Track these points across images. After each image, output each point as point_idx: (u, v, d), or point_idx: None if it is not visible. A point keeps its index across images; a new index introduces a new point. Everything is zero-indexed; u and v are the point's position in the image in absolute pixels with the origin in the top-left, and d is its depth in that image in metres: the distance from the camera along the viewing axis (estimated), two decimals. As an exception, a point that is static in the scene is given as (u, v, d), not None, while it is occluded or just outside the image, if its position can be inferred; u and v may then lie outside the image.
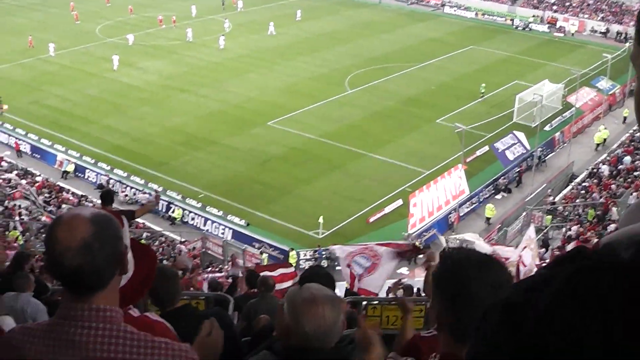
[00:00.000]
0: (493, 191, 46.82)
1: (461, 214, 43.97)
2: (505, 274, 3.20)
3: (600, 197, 41.61)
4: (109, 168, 47.60)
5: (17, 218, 39.40)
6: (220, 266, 36.81)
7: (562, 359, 1.05)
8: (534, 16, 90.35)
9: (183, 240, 41.29)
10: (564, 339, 1.05)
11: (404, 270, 34.66)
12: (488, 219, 43.93)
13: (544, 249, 35.11)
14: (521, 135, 49.00)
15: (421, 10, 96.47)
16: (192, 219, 43.21)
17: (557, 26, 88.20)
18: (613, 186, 43.00)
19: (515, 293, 1.16)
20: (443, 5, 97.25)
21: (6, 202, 42.46)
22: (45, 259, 2.93)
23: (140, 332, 2.98)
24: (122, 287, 3.66)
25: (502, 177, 47.51)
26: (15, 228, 36.99)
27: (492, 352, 1.15)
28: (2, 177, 46.99)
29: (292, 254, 37.82)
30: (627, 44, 70.94)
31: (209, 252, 40.65)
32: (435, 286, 3.30)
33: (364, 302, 12.79)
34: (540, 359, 1.07)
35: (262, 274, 13.31)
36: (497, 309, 1.16)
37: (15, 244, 31.73)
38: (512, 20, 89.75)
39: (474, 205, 45.09)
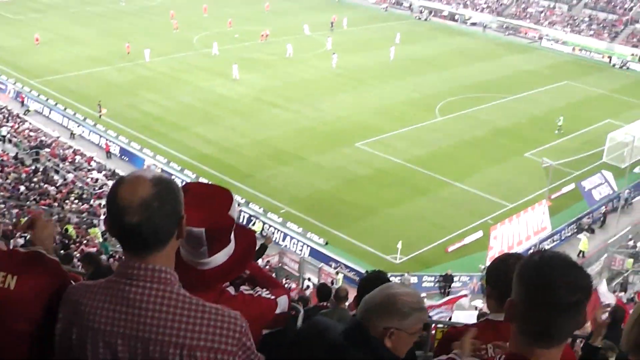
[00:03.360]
0: (575, 230, 45.84)
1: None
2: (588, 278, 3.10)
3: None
4: (194, 176, 48.17)
5: (101, 217, 40.28)
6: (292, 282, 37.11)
7: None
8: (632, 54, 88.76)
9: (260, 254, 41.21)
10: None
11: (478, 303, 34.29)
12: (582, 252, 42.50)
13: (622, 292, 34.61)
14: (609, 175, 48.07)
15: (518, 42, 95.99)
16: (272, 233, 43.42)
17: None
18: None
19: None
20: (540, 38, 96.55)
21: (92, 200, 43.40)
22: (106, 217, 3.15)
23: (193, 296, 3.10)
24: (223, 263, 3.91)
25: (587, 217, 46.66)
26: (97, 226, 37.85)
27: None
28: (90, 176, 48.15)
29: (367, 276, 37.59)
30: None
31: (285, 267, 40.88)
32: (518, 280, 3.13)
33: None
34: None
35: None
36: None
37: (96, 242, 32.76)
38: (609, 57, 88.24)
39: (555, 243, 44.22)
